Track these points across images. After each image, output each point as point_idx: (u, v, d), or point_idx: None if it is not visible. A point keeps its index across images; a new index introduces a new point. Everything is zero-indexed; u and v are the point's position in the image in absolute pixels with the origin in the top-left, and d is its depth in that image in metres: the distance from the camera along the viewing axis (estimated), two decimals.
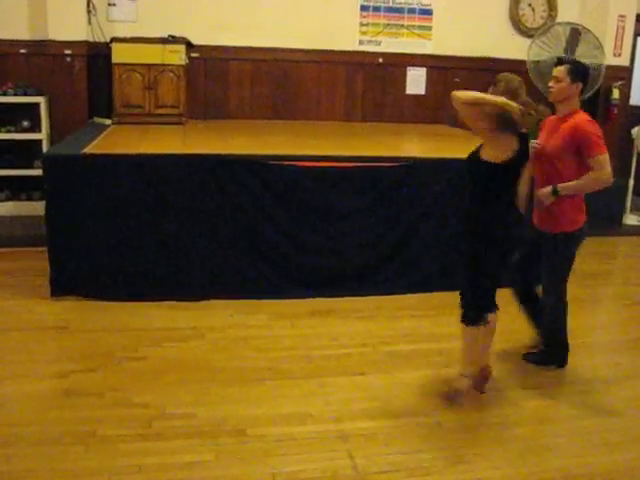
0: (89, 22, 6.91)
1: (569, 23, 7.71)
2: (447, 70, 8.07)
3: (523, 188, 3.80)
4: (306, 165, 5.15)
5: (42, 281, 5.02)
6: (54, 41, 6.74)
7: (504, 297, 4.00)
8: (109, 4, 7.10)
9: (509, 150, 3.49)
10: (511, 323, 4.38)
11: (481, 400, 3.79)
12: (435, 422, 3.55)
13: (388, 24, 7.88)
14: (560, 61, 4.05)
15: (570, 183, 3.85)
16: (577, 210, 3.97)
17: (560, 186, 3.85)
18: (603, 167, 3.79)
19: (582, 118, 3.88)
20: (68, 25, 6.74)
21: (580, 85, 3.88)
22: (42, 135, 6.83)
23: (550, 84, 3.95)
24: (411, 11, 7.94)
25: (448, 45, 7.89)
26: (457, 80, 7.91)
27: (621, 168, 8.37)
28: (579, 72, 3.90)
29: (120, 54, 6.59)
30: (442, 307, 4.60)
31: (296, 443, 3.30)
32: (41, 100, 6.79)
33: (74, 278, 4.96)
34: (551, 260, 4.04)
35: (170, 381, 3.86)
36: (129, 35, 6.76)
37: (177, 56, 6.69)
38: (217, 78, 7.52)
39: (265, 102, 7.71)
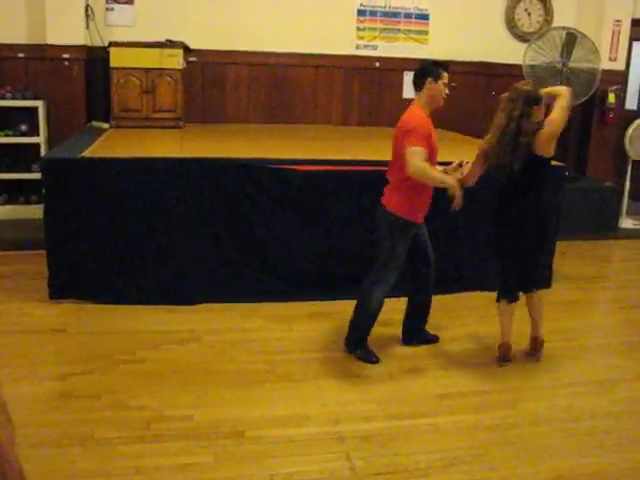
0: (87, 26, 6.95)
1: (565, 27, 7.75)
2: None
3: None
4: (303, 169, 5.16)
5: (40, 284, 5.03)
6: (52, 45, 6.76)
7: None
8: (107, 9, 7.13)
9: None
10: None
11: (476, 402, 3.81)
12: (431, 424, 3.57)
13: (385, 28, 7.91)
14: None
15: None
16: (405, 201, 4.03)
17: None
18: (411, 158, 3.87)
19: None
20: (66, 29, 6.77)
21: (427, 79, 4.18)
22: (40, 139, 6.85)
23: None
24: (408, 16, 7.97)
25: (445, 49, 7.88)
26: (454, 85, 7.90)
27: (616, 171, 8.42)
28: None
29: (118, 58, 6.59)
30: (437, 310, 4.61)
31: (294, 445, 3.32)
32: (39, 104, 6.82)
33: (72, 281, 4.98)
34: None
35: (168, 383, 3.87)
36: (127, 39, 6.78)
37: (175, 60, 6.69)
38: (214, 82, 7.55)
39: (262, 106, 7.73)
